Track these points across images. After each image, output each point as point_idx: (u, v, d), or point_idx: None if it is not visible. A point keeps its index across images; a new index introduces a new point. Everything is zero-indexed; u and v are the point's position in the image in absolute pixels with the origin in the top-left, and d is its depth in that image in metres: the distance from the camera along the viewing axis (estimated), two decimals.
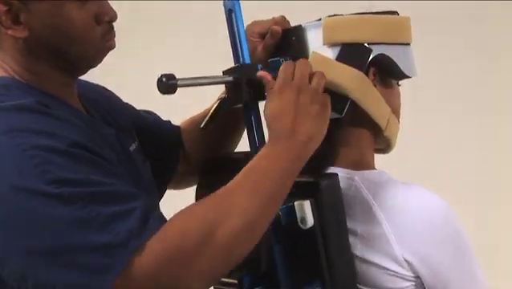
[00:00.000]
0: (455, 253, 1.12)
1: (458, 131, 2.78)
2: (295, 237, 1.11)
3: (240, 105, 1.16)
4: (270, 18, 1.24)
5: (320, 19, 1.17)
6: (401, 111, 1.25)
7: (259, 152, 1.05)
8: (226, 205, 0.98)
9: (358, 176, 1.17)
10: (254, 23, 1.24)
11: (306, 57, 1.16)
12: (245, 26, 1.17)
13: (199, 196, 1.31)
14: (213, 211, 0.98)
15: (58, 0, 1.02)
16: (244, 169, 1.03)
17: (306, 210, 1.08)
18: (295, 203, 1.09)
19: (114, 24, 1.11)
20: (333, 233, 1.11)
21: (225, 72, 1.15)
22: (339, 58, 1.15)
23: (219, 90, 1.22)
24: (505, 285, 2.32)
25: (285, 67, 1.10)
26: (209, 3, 1.62)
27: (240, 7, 1.15)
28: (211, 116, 1.25)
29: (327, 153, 1.20)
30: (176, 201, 1.02)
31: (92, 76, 1.17)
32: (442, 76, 2.75)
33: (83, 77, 1.16)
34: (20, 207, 0.93)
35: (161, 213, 1.01)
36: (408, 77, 1.21)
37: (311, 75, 1.09)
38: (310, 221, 1.08)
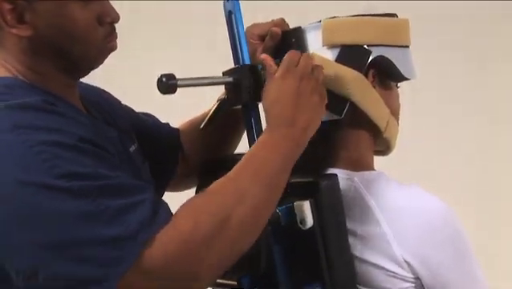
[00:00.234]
0: (455, 254, 1.12)
1: (458, 132, 2.78)
2: (295, 237, 1.11)
3: (239, 106, 1.17)
4: (270, 20, 1.24)
5: (320, 21, 1.18)
6: (400, 112, 1.25)
7: (258, 139, 1.06)
8: (232, 194, 0.99)
9: (357, 177, 1.17)
10: (254, 25, 1.25)
11: None
12: (245, 27, 1.17)
13: None
14: (221, 202, 0.99)
15: (62, 0, 1.03)
16: (244, 157, 1.04)
17: (305, 211, 1.08)
18: (295, 204, 1.09)
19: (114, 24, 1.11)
20: (333, 233, 1.11)
21: (224, 73, 1.16)
22: (339, 59, 1.16)
23: (218, 91, 1.23)
24: (506, 285, 2.32)
25: (290, 54, 1.10)
26: (209, 3, 1.62)
27: (240, 8, 1.15)
28: (210, 117, 1.25)
29: (326, 154, 1.20)
30: (175, 201, 1.02)
31: (93, 76, 1.17)
32: (442, 78, 2.75)
33: (84, 79, 1.16)
34: (28, 202, 0.93)
35: (168, 206, 1.02)
36: (406, 79, 1.22)
37: (313, 67, 1.11)
38: (309, 221, 1.08)
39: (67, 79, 1.11)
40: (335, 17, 1.18)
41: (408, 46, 1.21)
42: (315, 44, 1.17)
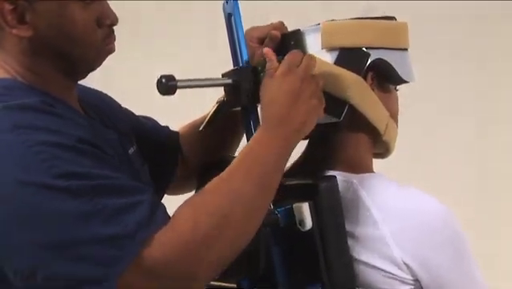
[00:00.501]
0: (454, 256, 1.12)
1: (457, 132, 2.78)
2: (294, 239, 1.11)
3: (239, 108, 1.17)
4: (269, 23, 1.24)
5: (319, 24, 1.18)
6: (401, 115, 1.26)
7: (252, 138, 1.06)
8: (227, 194, 1.00)
9: (356, 179, 1.17)
10: (253, 28, 1.25)
11: None
12: (244, 29, 1.17)
13: None
14: (217, 203, 0.99)
15: (62, 0, 1.03)
16: (238, 156, 1.05)
17: (304, 212, 1.08)
18: (294, 205, 1.09)
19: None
20: (331, 235, 1.11)
21: (224, 75, 1.16)
22: (338, 62, 1.16)
23: (218, 94, 1.23)
24: (505, 285, 2.32)
25: (292, 54, 1.10)
26: (209, 4, 1.62)
27: (239, 10, 1.15)
28: (209, 118, 1.26)
29: (325, 157, 1.20)
30: (174, 204, 1.02)
31: (93, 77, 1.17)
32: (441, 78, 2.75)
33: (84, 81, 1.16)
34: (26, 202, 0.93)
35: (165, 208, 1.02)
36: (405, 82, 1.22)
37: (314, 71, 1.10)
38: (308, 223, 1.08)
39: (66, 80, 1.11)
40: (333, 20, 1.19)
41: (406, 49, 1.22)
42: (314, 47, 1.17)
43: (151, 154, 1.32)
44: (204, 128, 1.27)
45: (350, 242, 1.14)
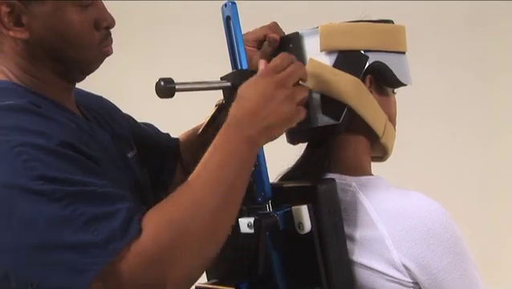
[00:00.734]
0: (454, 258, 1.11)
1: (457, 134, 2.78)
2: (293, 242, 1.11)
3: None
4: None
5: (317, 26, 1.18)
6: (400, 118, 1.26)
7: (214, 142, 1.02)
8: (189, 206, 0.97)
9: (355, 181, 1.17)
10: (247, 33, 1.24)
11: (304, 64, 1.16)
12: (243, 31, 1.17)
13: None
14: (179, 216, 0.96)
15: (60, 2, 1.03)
16: (201, 162, 1.01)
17: (303, 215, 1.08)
18: (293, 208, 1.09)
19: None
20: (330, 238, 1.11)
21: (222, 78, 1.16)
22: (336, 64, 1.16)
23: (217, 97, 1.23)
24: (505, 285, 2.33)
25: (280, 57, 1.08)
26: (210, 4, 1.62)
27: (237, 13, 1.15)
28: (208, 122, 1.26)
29: (324, 159, 1.20)
30: None
31: (93, 77, 1.18)
32: (441, 79, 2.75)
33: (84, 85, 1.17)
34: (4, 203, 0.93)
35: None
36: (403, 85, 1.22)
37: (302, 80, 1.08)
38: (307, 226, 1.08)
39: (63, 82, 1.11)
40: (331, 23, 1.19)
41: (404, 52, 1.22)
42: (313, 49, 1.18)
43: (150, 159, 1.32)
44: (202, 131, 1.27)
45: (349, 244, 1.14)
